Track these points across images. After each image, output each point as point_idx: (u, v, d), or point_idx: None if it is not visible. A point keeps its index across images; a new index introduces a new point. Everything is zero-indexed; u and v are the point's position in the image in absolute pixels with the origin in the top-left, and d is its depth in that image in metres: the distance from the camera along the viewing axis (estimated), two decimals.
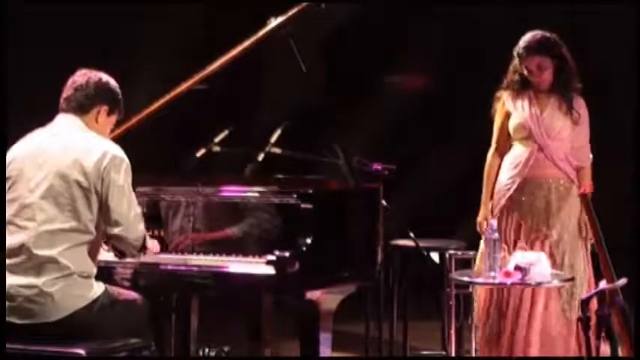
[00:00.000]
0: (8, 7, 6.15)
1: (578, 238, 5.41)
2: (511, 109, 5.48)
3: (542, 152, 5.40)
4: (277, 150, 5.14)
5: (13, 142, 4.49)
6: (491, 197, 5.53)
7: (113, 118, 4.53)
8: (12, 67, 6.58)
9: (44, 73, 7.00)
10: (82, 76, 4.47)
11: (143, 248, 4.42)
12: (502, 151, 5.55)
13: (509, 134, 5.51)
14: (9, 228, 4.28)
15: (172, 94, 4.97)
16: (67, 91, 4.47)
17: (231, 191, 4.83)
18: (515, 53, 5.44)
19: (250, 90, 5.31)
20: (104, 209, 4.30)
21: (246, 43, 4.99)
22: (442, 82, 7.87)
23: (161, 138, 4.57)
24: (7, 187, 4.34)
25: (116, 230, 4.32)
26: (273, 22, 4.99)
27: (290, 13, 4.99)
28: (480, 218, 5.52)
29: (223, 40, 5.02)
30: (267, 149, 5.13)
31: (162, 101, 4.92)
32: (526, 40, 5.40)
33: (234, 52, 4.98)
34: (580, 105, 5.45)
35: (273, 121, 5.24)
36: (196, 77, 4.99)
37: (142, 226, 4.39)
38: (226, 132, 5.17)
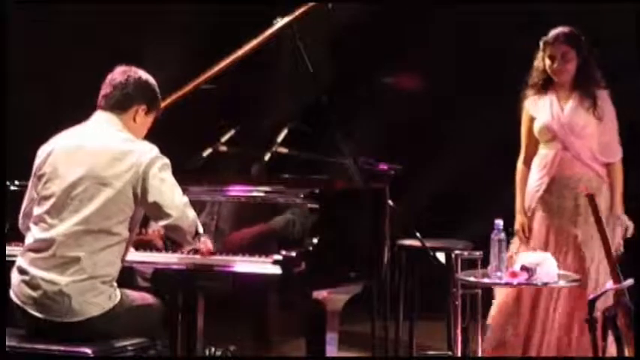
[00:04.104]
0: (9, 7, 6.14)
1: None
2: (534, 114, 5.51)
3: (568, 151, 5.42)
4: (284, 150, 5.13)
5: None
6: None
7: (151, 117, 4.50)
8: (16, 68, 6.57)
9: (48, 74, 7.04)
10: (121, 74, 4.44)
11: (197, 235, 4.41)
12: (531, 157, 5.58)
13: (537, 140, 5.54)
14: (40, 225, 4.29)
15: (178, 93, 4.97)
16: (105, 89, 4.44)
17: (238, 191, 4.83)
18: (541, 43, 5.49)
19: (256, 90, 5.30)
20: (151, 207, 4.30)
21: (253, 43, 4.99)
22: (447, 82, 7.86)
23: (167, 137, 4.56)
24: (41, 182, 4.34)
25: (170, 220, 4.32)
26: (280, 22, 4.99)
27: (296, 13, 4.99)
28: (517, 226, 5.55)
29: (230, 40, 5.02)
30: (273, 149, 5.12)
31: (168, 101, 4.92)
32: (555, 30, 5.47)
33: (240, 51, 4.99)
34: (604, 100, 5.46)
35: (279, 120, 5.24)
36: (203, 77, 4.99)
37: (192, 212, 4.39)
38: (232, 131, 5.17)
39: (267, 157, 5.12)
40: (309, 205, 4.60)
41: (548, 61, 5.47)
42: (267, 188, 4.78)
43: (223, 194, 4.83)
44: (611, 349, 4.69)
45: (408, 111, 7.76)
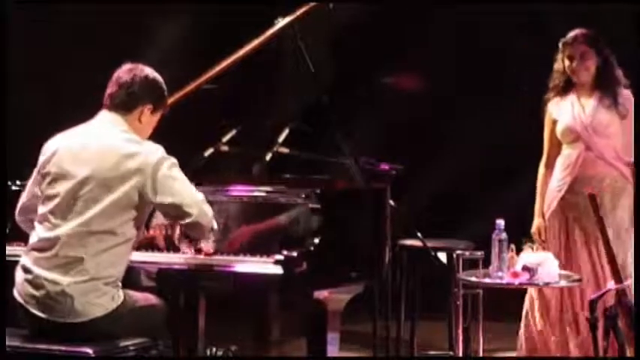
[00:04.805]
0: (9, 7, 6.13)
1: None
2: (556, 116, 5.52)
3: (592, 151, 5.42)
4: (285, 150, 5.13)
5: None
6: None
7: (157, 116, 4.45)
8: (16, 68, 6.57)
9: (48, 74, 7.04)
10: (127, 73, 4.38)
11: (213, 229, 4.41)
12: (553, 159, 5.58)
13: (559, 143, 5.54)
14: (44, 224, 4.27)
15: (180, 93, 4.96)
16: (111, 87, 4.38)
17: (239, 191, 4.83)
18: (560, 44, 5.50)
19: (257, 89, 5.30)
20: (170, 208, 4.28)
21: (254, 43, 4.98)
22: (447, 82, 7.87)
23: (169, 137, 4.55)
24: (45, 181, 4.31)
25: (192, 219, 4.30)
26: (281, 22, 4.99)
27: (298, 12, 4.98)
28: (533, 229, 5.58)
29: (231, 40, 5.02)
30: (274, 149, 5.12)
31: (170, 101, 4.91)
32: (574, 31, 5.49)
33: (241, 51, 4.98)
34: (627, 98, 5.46)
35: (280, 120, 5.23)
36: (205, 77, 4.98)
37: (209, 207, 4.37)
38: (234, 131, 5.16)
39: (268, 157, 5.12)
40: (311, 205, 4.59)
41: (567, 62, 5.48)
42: (268, 188, 4.77)
43: (225, 194, 4.82)
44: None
45: (408, 111, 7.77)
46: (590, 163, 5.43)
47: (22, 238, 4.51)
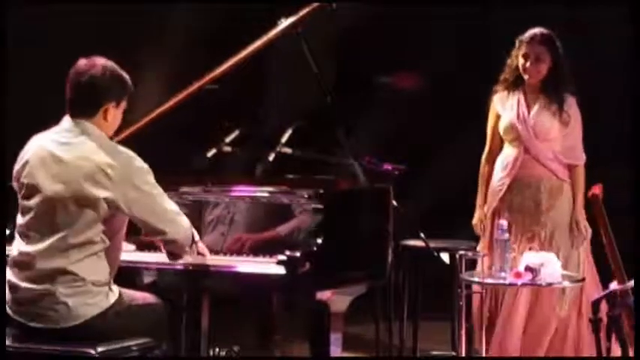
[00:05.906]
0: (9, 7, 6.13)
1: (571, 236, 5.45)
2: (500, 111, 5.55)
3: (529, 153, 5.44)
4: (288, 150, 5.12)
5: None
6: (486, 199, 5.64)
7: (122, 106, 4.29)
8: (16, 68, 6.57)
9: (48, 74, 7.03)
10: (83, 74, 4.19)
11: (193, 242, 4.36)
12: (495, 153, 5.63)
13: (502, 137, 5.57)
14: (23, 237, 4.21)
15: (183, 94, 4.95)
16: (70, 92, 4.23)
17: (243, 191, 4.82)
18: (517, 40, 5.52)
19: (260, 90, 5.31)
20: (143, 224, 4.22)
21: (257, 44, 4.98)
22: (447, 82, 7.87)
23: (170, 138, 4.55)
24: (21, 192, 4.23)
25: (165, 236, 4.25)
26: (284, 23, 4.98)
27: (301, 13, 4.98)
28: (474, 220, 5.67)
29: (235, 40, 5.02)
30: (277, 149, 5.12)
31: (172, 101, 4.91)
32: (533, 30, 5.51)
33: (245, 52, 4.97)
34: (571, 105, 5.49)
35: (283, 121, 5.24)
36: (208, 77, 4.98)
37: (185, 220, 4.31)
38: (237, 132, 5.16)
39: (271, 157, 5.11)
40: (314, 206, 4.59)
41: (521, 60, 5.51)
42: (271, 189, 4.77)
43: (228, 195, 4.82)
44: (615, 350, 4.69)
45: (408, 111, 7.78)
46: (528, 164, 5.49)
47: None
